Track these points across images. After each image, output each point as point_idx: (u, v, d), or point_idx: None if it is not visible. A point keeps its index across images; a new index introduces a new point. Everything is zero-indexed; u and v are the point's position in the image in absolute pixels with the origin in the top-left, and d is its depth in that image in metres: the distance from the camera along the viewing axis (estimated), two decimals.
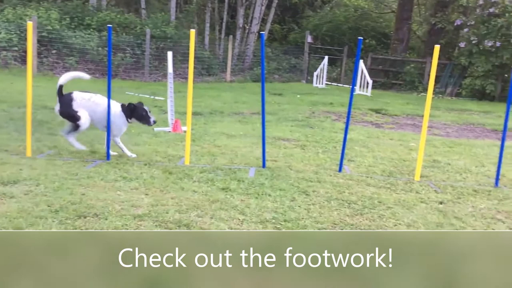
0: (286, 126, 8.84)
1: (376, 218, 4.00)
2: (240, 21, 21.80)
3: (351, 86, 17.65)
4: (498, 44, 15.83)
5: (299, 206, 4.16)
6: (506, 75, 16.15)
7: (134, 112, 5.46)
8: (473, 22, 16.90)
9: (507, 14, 15.90)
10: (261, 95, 5.47)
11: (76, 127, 5.40)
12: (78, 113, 5.33)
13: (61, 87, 5.35)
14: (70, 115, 5.35)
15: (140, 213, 3.72)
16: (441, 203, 4.56)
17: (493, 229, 3.93)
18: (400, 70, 20.23)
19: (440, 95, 17.38)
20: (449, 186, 5.17)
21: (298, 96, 14.58)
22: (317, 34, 23.86)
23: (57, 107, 5.40)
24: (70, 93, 5.41)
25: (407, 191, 4.92)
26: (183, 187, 4.50)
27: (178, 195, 4.24)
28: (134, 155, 5.54)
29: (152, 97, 11.79)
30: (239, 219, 3.74)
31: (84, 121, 5.37)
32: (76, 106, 5.34)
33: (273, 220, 3.76)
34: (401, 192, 4.85)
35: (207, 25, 21.18)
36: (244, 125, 8.70)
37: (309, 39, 21.56)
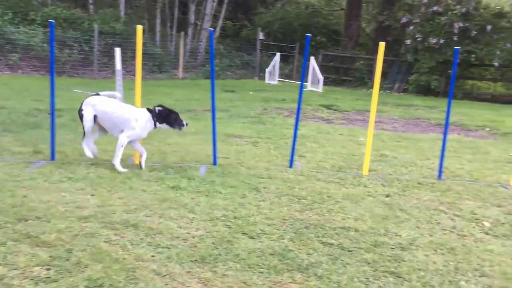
0: (238, 123, 8.83)
1: (325, 213, 4.06)
2: (192, 17, 21.59)
3: (304, 83, 17.73)
4: (441, 41, 16.44)
5: (249, 203, 4.16)
6: (449, 71, 16.79)
7: (167, 117, 5.23)
8: (418, 20, 17.47)
9: (449, 12, 16.53)
10: (211, 91, 5.44)
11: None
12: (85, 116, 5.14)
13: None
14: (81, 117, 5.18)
15: (85, 214, 3.61)
16: (387, 196, 4.68)
17: (436, 220, 4.07)
18: (350, 66, 20.65)
19: (388, 91, 17.87)
20: (395, 180, 5.32)
21: (251, 92, 14.61)
22: (269, 31, 23.96)
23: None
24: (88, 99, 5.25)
25: (356, 185, 5.03)
26: (131, 187, 4.40)
27: (126, 195, 4.15)
28: (125, 170, 5.01)
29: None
30: (188, 218, 3.70)
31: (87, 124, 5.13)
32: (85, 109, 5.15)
33: (223, 218, 3.74)
34: (349, 186, 4.95)
35: (158, 21, 20.85)
36: (196, 122, 8.62)
37: (261, 36, 21.64)
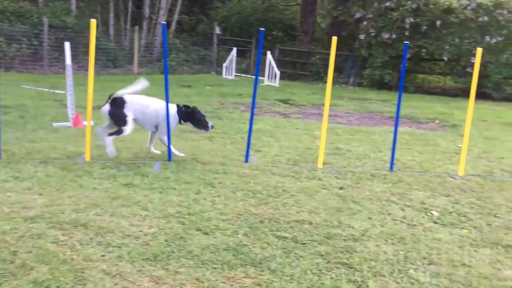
0: None
1: (280, 207, 4.08)
2: (147, 11, 21.20)
3: (260, 77, 17.65)
4: (394, 36, 16.85)
5: (204, 199, 4.13)
6: (402, 66, 17.25)
7: (191, 116, 5.37)
8: (371, 16, 17.83)
9: (401, 8, 16.95)
10: (165, 87, 5.35)
11: (119, 132, 5.27)
12: (127, 119, 5.24)
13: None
14: (120, 118, 5.23)
15: (32, 214, 3.47)
16: (341, 188, 4.76)
17: (387, 210, 4.17)
18: (307, 61, 20.87)
19: (344, 85, 18.19)
20: (349, 172, 5.41)
21: (208, 87, 14.51)
22: (226, 25, 23.86)
23: (106, 107, 5.28)
24: (122, 97, 5.31)
25: (311, 178, 5.08)
26: (82, 185, 4.28)
27: (76, 194, 4.03)
28: (182, 154, 5.48)
29: (51, 90, 11.11)
30: (141, 215, 3.63)
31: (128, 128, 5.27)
32: (127, 109, 5.25)
33: (177, 214, 3.69)
34: (304, 180, 4.99)
35: (111, 15, 20.35)
36: None
37: (217, 30, 21.52)
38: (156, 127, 5.41)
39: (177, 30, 23.17)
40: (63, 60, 17.61)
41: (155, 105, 5.36)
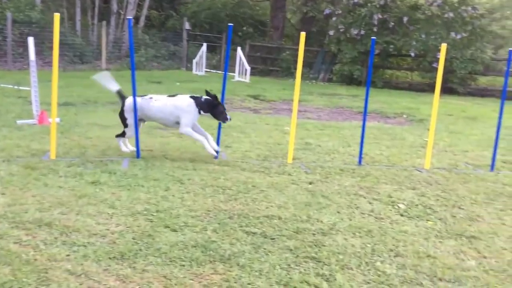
0: None
1: (249, 202, 4.08)
2: (114, 6, 20.83)
3: (231, 73, 17.60)
4: (362, 32, 17.06)
5: (173, 196, 4.09)
6: (372, 61, 17.49)
7: (214, 108, 5.41)
8: (340, 12, 18.00)
9: (369, 4, 17.17)
10: (131, 83, 5.28)
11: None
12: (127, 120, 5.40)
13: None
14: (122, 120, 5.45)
15: None
16: (310, 183, 4.79)
17: (355, 204, 4.22)
18: (277, 57, 20.92)
19: (314, 81, 18.31)
20: (318, 167, 5.45)
21: (178, 83, 14.38)
22: (196, 21, 23.67)
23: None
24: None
25: (280, 173, 5.09)
26: (46, 184, 4.18)
27: (41, 192, 3.93)
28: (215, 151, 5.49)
29: (15, 87, 10.81)
30: (108, 213, 3.57)
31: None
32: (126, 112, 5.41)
33: (145, 212, 3.65)
34: (274, 175, 5.00)
35: (78, 9, 19.91)
36: None
37: (187, 26, 21.33)
38: (178, 123, 5.39)
39: (146, 25, 22.86)
40: (28, 55, 17.16)
41: (174, 102, 5.36)
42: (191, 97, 5.41)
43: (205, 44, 18.29)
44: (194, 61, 18.58)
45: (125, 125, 5.43)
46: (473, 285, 2.84)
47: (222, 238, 3.28)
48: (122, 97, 5.54)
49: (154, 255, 2.94)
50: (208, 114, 5.45)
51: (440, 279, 2.89)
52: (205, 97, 5.41)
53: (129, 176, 4.56)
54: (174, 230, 3.35)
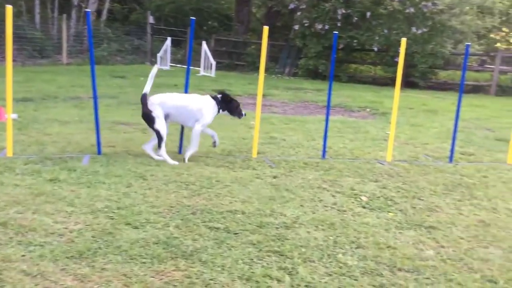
0: (127, 110, 8.51)
1: (213, 197, 4.05)
2: None
3: (196, 68, 17.42)
4: (326, 27, 17.19)
5: (135, 192, 4.02)
6: (335, 56, 17.66)
7: (229, 104, 5.48)
8: (305, 6, 18.06)
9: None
10: (91, 77, 5.16)
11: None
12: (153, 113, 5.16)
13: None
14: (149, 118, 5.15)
15: None
16: (274, 177, 4.80)
17: (318, 197, 4.25)
18: (243, 51, 20.85)
19: (279, 75, 18.36)
20: (283, 161, 5.47)
21: (142, 78, 14.11)
22: (160, 15, 23.33)
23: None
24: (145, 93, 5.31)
25: (245, 168, 5.08)
26: (2, 182, 4.03)
27: None
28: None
29: None
30: (66, 212, 3.48)
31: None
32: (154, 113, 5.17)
33: (106, 209, 3.57)
34: (238, 170, 4.99)
35: (37, 2, 19.28)
36: (81, 110, 8.16)
37: (151, 19, 21.00)
38: (197, 121, 5.34)
39: (109, 19, 22.36)
40: None
41: (195, 103, 5.34)
42: (212, 97, 5.46)
43: (169, 38, 18.05)
44: (159, 55, 18.31)
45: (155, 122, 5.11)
46: (431, 274, 2.91)
47: (184, 234, 3.25)
48: (145, 101, 5.26)
49: (114, 253, 2.88)
50: (225, 112, 5.54)
51: (400, 269, 2.94)
52: (219, 95, 5.50)
53: (90, 173, 4.45)
54: (136, 227, 3.29)
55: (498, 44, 22.25)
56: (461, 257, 3.17)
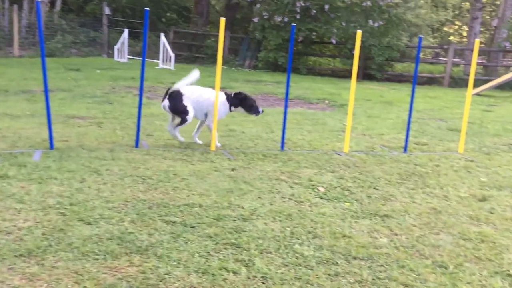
0: (82, 103, 8.28)
1: (170, 191, 4.00)
2: None
3: (155, 60, 17.19)
4: (286, 19, 17.25)
5: (88, 187, 3.92)
6: (294, 48, 17.76)
7: (243, 101, 5.66)
8: None
9: None
10: (42, 70, 4.98)
11: (183, 121, 5.55)
12: (187, 108, 5.50)
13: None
14: (179, 110, 5.50)
15: None
16: (233, 169, 4.78)
17: (276, 189, 4.27)
18: (202, 44, 20.68)
19: (239, 68, 18.32)
20: (241, 153, 5.46)
21: (98, 71, 13.81)
22: (117, 6, 22.79)
23: (165, 103, 5.50)
24: (179, 89, 5.52)
25: (203, 161, 5.04)
26: None
27: None
28: (219, 144, 5.73)
29: None
30: (15, 209, 3.35)
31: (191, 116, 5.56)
32: (185, 101, 5.49)
33: (57, 206, 3.46)
34: (196, 163, 4.95)
35: None
36: (33, 104, 7.88)
37: (107, 11, 20.48)
38: (206, 114, 5.62)
39: (63, 10, 21.69)
40: None
41: (208, 94, 5.57)
42: (225, 94, 5.69)
43: (126, 30, 17.68)
44: (116, 47, 17.92)
45: (187, 112, 5.50)
46: (385, 261, 2.97)
47: (140, 229, 3.19)
48: (172, 93, 5.50)
49: (65, 250, 2.79)
50: (239, 109, 5.74)
51: (355, 258, 2.99)
52: (233, 92, 5.76)
53: (41, 168, 4.31)
54: (89, 223, 3.20)
55: (451, 37, 22.96)
56: (414, 244, 3.26)
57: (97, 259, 2.73)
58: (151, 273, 2.62)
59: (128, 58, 17.74)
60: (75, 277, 2.52)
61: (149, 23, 20.34)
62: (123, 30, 17.89)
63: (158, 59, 16.99)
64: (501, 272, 2.92)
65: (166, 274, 2.62)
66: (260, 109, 5.79)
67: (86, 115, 7.24)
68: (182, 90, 5.53)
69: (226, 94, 5.71)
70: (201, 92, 5.64)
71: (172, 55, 16.18)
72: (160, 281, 2.55)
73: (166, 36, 17.16)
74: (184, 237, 3.11)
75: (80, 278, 2.51)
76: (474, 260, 3.06)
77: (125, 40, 17.50)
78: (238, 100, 5.69)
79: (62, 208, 3.43)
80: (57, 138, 5.36)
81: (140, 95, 5.49)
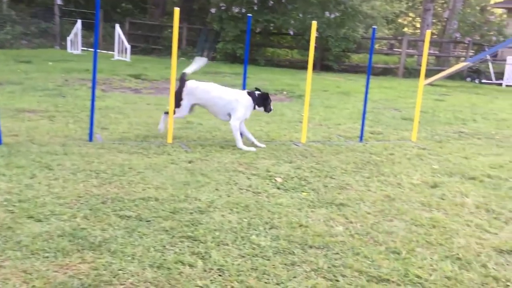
0: (33, 97, 7.99)
1: (125, 185, 3.91)
2: None
3: (110, 52, 16.81)
4: (243, 10, 17.17)
5: (39, 183, 3.78)
6: (252, 40, 17.74)
7: (266, 101, 5.58)
8: None
9: None
10: None
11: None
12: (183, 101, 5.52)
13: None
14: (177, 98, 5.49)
15: None
16: (190, 162, 4.73)
17: (234, 180, 4.26)
18: (159, 35, 20.33)
19: None
20: (199, 145, 5.41)
21: (50, 63, 13.35)
22: None
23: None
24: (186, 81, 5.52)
25: (159, 154, 4.97)
26: None
27: None
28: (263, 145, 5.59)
29: None
30: None
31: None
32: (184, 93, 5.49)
33: (5, 203, 3.32)
34: (153, 156, 4.86)
35: None
36: None
37: (58, 1, 19.79)
38: (229, 115, 5.52)
39: (13, 0, 20.79)
40: None
41: (229, 96, 5.52)
42: (248, 93, 5.57)
43: (79, 21, 17.14)
44: (69, 39, 17.37)
45: (178, 105, 5.50)
46: (340, 249, 3.02)
47: (93, 224, 3.10)
48: (182, 80, 5.57)
49: (13, 249, 2.69)
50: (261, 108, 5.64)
51: (311, 247, 3.02)
52: (258, 92, 5.60)
53: None
54: (39, 220, 3.09)
55: (406, 29, 23.52)
56: (368, 231, 3.32)
57: (47, 257, 2.64)
58: (104, 270, 2.55)
59: (82, 49, 17.24)
60: (23, 276, 2.43)
61: (103, 14, 19.76)
62: (76, 21, 17.35)
63: (113, 51, 16.59)
64: (451, 256, 3.02)
65: (119, 270, 2.57)
66: (271, 107, 5.79)
67: (37, 108, 6.99)
68: (188, 83, 5.57)
69: (250, 93, 5.57)
70: (220, 93, 5.56)
71: (128, 46, 15.84)
72: (114, 277, 2.49)
73: (121, 27, 16.76)
74: (139, 232, 3.05)
75: (29, 277, 2.42)
76: (426, 245, 3.16)
77: (78, 31, 16.99)
78: (263, 100, 5.59)
79: (10, 205, 3.29)
80: (6, 133, 5.15)
81: (93, 87, 5.35)
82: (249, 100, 5.52)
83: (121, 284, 2.45)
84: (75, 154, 4.67)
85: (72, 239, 2.86)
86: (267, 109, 5.70)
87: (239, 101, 5.46)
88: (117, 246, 2.81)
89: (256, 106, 5.58)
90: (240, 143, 5.42)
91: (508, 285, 2.70)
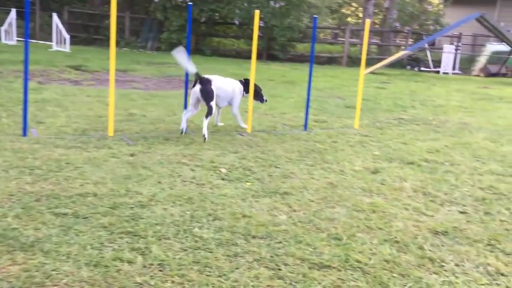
0: None
1: (61, 181, 3.75)
2: None
3: (48, 42, 16.14)
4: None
5: None
6: (197, 29, 17.51)
7: (247, 86, 5.93)
8: None
9: None
10: None
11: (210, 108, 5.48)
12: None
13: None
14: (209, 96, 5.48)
15: None
16: (132, 155, 4.60)
17: (177, 172, 4.18)
18: (100, 24, 19.65)
19: (142, 50, 17.72)
20: (141, 138, 5.28)
21: None
22: None
23: (197, 87, 5.45)
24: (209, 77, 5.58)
25: (99, 148, 4.80)
26: None
27: None
28: (245, 126, 5.97)
29: None
30: None
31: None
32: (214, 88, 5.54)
33: None
34: (92, 150, 4.69)
35: None
36: None
37: None
38: (229, 102, 5.86)
39: None
40: None
41: (232, 84, 5.82)
42: (239, 80, 5.98)
43: (14, 10, 16.28)
44: (3, 29, 16.47)
45: (211, 101, 5.47)
46: (283, 238, 3.02)
47: (25, 224, 2.95)
48: (202, 78, 5.51)
49: None
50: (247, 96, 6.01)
51: (254, 237, 3.01)
52: (243, 79, 6.02)
53: None
54: None
55: (349, 19, 23.97)
56: (311, 218, 3.35)
57: None
58: (36, 271, 2.43)
59: (17, 40, 16.40)
60: None
61: (41, 2, 18.89)
62: (10, 10, 16.46)
63: (51, 41, 15.89)
64: (389, 240, 3.10)
65: (53, 270, 2.45)
66: (265, 98, 6.19)
67: None
68: (211, 78, 5.62)
69: (240, 81, 5.99)
70: (226, 81, 5.82)
71: (67, 36, 15.22)
72: (46, 278, 2.37)
73: (60, 17, 16.07)
74: (75, 229, 2.93)
75: None
76: (366, 230, 3.22)
77: (13, 21, 16.14)
78: (247, 87, 5.93)
79: None
80: None
81: (25, 78, 5.09)
82: (241, 87, 5.94)
83: (54, 285, 2.34)
84: (7, 150, 4.43)
85: (2, 240, 2.71)
86: (258, 98, 6.11)
87: (237, 90, 5.86)
88: (51, 246, 2.69)
89: (245, 93, 6.01)
90: (242, 123, 5.98)
91: (443, 265, 2.81)
